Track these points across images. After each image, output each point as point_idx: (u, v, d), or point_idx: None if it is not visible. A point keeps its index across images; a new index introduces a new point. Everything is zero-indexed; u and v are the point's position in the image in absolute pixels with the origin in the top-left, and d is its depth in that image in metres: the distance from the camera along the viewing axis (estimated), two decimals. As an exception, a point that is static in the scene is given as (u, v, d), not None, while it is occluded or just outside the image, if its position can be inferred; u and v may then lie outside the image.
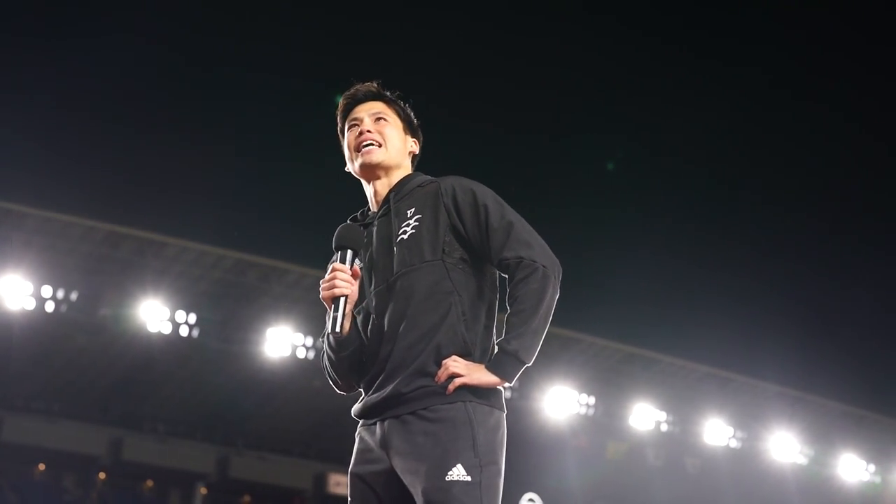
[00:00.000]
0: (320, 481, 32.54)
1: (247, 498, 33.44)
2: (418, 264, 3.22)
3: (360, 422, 3.35)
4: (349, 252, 3.31)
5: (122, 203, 30.26)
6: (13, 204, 23.33)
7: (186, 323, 24.24)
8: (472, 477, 3.05)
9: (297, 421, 31.14)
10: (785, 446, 32.00)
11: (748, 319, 33.47)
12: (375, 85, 3.56)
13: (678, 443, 31.96)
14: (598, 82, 36.67)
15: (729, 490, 32.39)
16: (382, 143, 3.45)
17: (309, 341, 25.63)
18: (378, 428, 3.23)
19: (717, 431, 31.04)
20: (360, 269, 3.34)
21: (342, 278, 3.26)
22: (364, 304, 3.33)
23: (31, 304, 22.53)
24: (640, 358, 30.34)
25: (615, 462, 32.80)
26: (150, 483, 32.53)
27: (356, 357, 3.36)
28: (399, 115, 3.54)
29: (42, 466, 31.39)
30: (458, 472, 3.03)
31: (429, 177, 3.46)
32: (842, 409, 33.42)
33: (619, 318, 30.35)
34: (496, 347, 3.19)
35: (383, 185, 3.46)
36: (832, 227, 37.79)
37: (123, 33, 31.80)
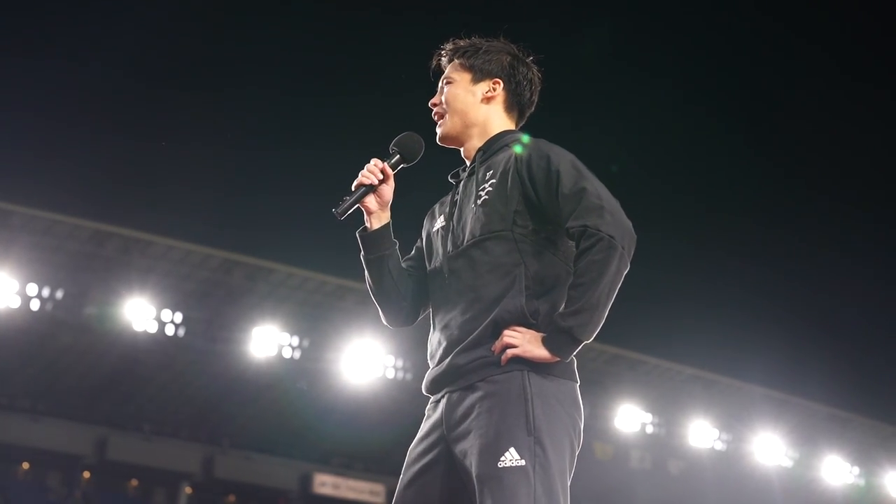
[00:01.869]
0: (305, 481, 32.48)
1: (232, 498, 33.37)
2: (487, 234, 3.07)
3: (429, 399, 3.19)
4: (396, 154, 3.25)
5: (109, 201, 30.20)
6: (-1, 202, 23.27)
7: (172, 322, 24.21)
8: (525, 460, 2.86)
9: (282, 421, 31.08)
10: (770, 448, 32.10)
11: (734, 322, 33.59)
12: (450, 44, 3.34)
13: (663, 445, 32.02)
14: (587, 82, 36.73)
15: (713, 492, 32.45)
16: (444, 112, 3.28)
17: (295, 341, 25.61)
18: (441, 404, 3.08)
19: (702, 433, 31.11)
20: (392, 170, 3.24)
21: (370, 169, 3.20)
22: (437, 267, 3.21)
23: (16, 303, 22.47)
24: (625, 359, 30.39)
25: (600, 463, 32.81)
26: (134, 482, 32.44)
27: (392, 279, 3.26)
28: (465, 66, 3.28)
29: (26, 465, 31.28)
30: (510, 458, 2.85)
31: (520, 134, 3.26)
32: (827, 412, 33.54)
33: (605, 320, 30.38)
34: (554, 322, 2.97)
35: (470, 148, 3.28)
36: (818, 230, 37.94)
37: (110, 33, 31.72)
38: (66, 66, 31.67)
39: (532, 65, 3.34)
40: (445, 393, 3.07)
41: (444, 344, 3.11)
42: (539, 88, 3.36)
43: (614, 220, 2.96)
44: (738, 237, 38.97)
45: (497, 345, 2.97)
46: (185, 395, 29.66)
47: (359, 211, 3.25)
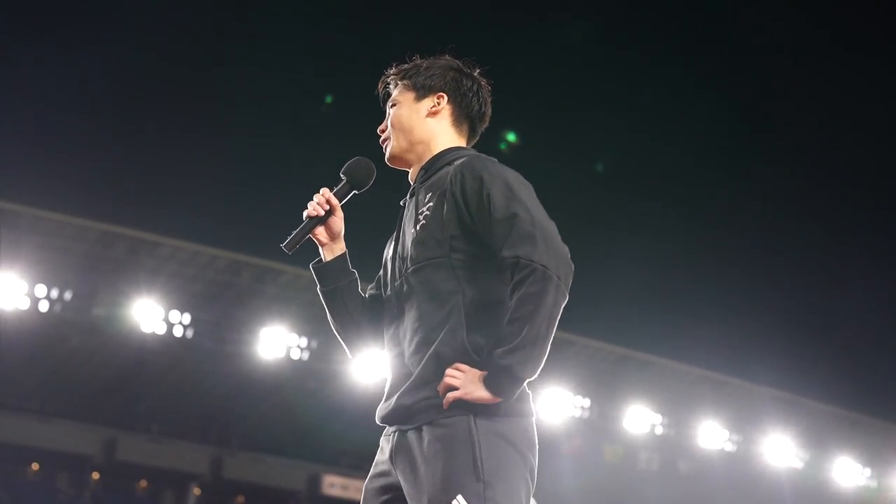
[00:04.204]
0: (314, 482, 32.46)
1: (240, 498, 33.36)
2: (424, 261, 2.97)
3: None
4: (344, 182, 3.18)
5: (116, 202, 30.21)
6: (6, 202, 23.27)
7: (180, 323, 24.17)
8: None
9: (291, 422, 31.07)
10: (780, 450, 31.97)
11: (743, 322, 33.49)
12: (393, 69, 3.27)
13: (673, 446, 31.93)
14: (592, 80, 36.66)
15: (723, 494, 32.35)
16: (389, 135, 3.21)
17: (303, 342, 25.58)
18: (392, 439, 3.01)
19: (711, 434, 31.00)
20: (341, 199, 3.17)
21: (318, 200, 3.13)
22: (386, 296, 3.15)
23: (25, 304, 22.46)
24: (634, 360, 30.31)
25: (610, 465, 32.76)
26: (143, 483, 32.46)
27: (347, 311, 3.19)
28: (408, 86, 3.21)
29: (35, 466, 31.31)
30: None
31: (468, 152, 3.15)
32: (837, 413, 33.42)
33: (614, 320, 30.34)
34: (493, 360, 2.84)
35: (416, 168, 3.20)
36: (826, 230, 37.82)
37: (118, 31, 31.76)
38: (73, 66, 31.68)
39: (478, 77, 3.24)
40: (395, 431, 2.99)
41: (390, 379, 3.05)
42: (489, 100, 3.26)
43: (548, 248, 2.82)
44: (748, 238, 38.88)
45: (440, 387, 2.85)
46: (194, 396, 29.66)
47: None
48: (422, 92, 3.19)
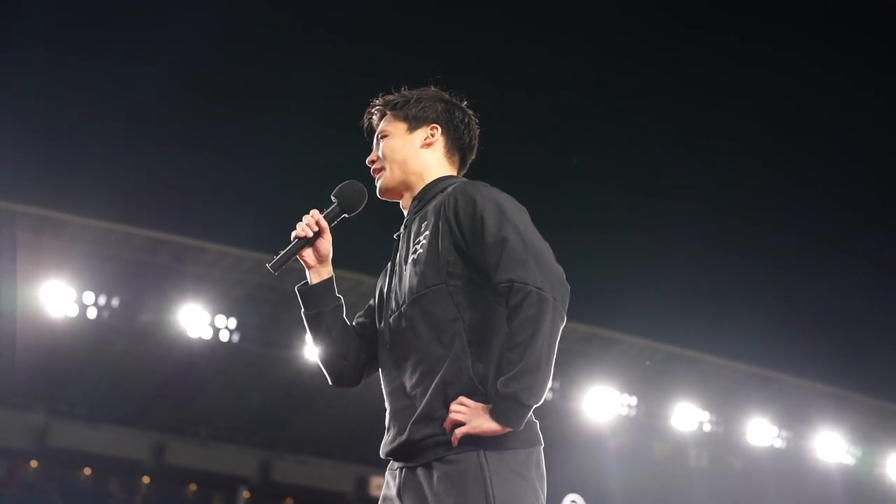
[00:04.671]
0: (362, 484, 32.57)
1: (289, 501, 33.54)
2: (423, 289, 2.90)
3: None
4: (335, 205, 3.15)
5: (160, 209, 30.46)
6: (54, 212, 23.56)
7: (226, 328, 24.33)
8: None
9: (338, 424, 31.18)
10: (831, 446, 31.59)
11: (791, 318, 33.14)
12: (379, 100, 3.26)
13: (722, 443, 31.67)
14: (628, 81, 36.48)
15: (774, 491, 32.05)
16: (383, 165, 3.17)
17: (348, 344, 25.63)
18: (398, 475, 2.96)
19: (761, 431, 30.71)
20: (331, 222, 3.15)
21: (307, 221, 3.11)
22: (381, 328, 3.07)
23: (73, 311, 22.71)
24: (681, 358, 30.10)
25: (658, 462, 32.57)
26: (193, 487, 32.74)
27: (330, 337, 3.15)
28: (400, 117, 3.18)
29: (88, 471, 31.68)
30: None
31: (457, 179, 3.13)
32: (889, 408, 32.96)
33: (661, 318, 30.11)
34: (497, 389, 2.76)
35: (408, 198, 3.17)
36: (876, 221, 37.32)
37: (164, 41, 32.02)
38: (117, 77, 32.04)
39: (466, 109, 3.23)
40: (401, 467, 2.94)
41: (394, 414, 2.98)
42: (477, 132, 3.24)
43: (541, 270, 2.76)
44: (795, 231, 38.42)
45: (447, 423, 2.79)
46: (241, 400, 29.85)
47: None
48: (414, 123, 3.17)
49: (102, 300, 23.28)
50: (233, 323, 24.40)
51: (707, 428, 30.41)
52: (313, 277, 3.18)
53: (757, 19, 36.66)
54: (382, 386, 3.07)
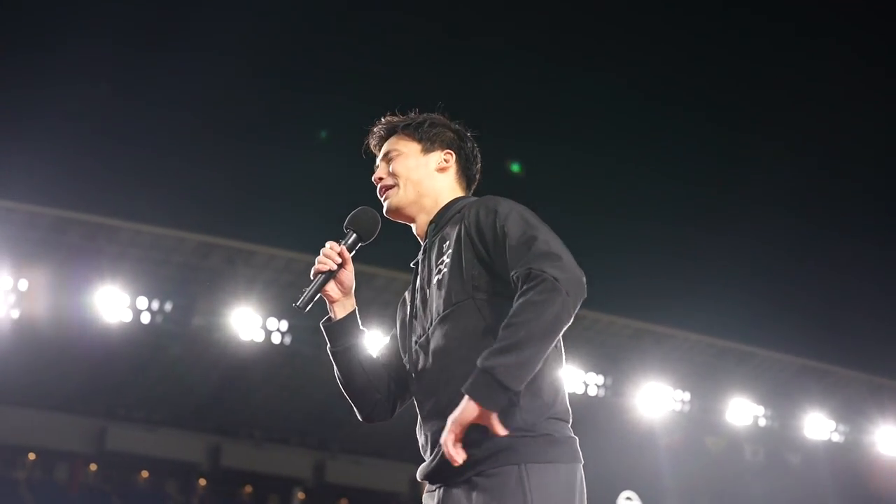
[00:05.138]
0: (416, 484, 32.61)
1: (344, 502, 33.69)
2: (449, 307, 2.84)
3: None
4: (352, 234, 3.11)
5: (211, 213, 30.75)
6: (107, 218, 23.86)
7: (278, 330, 24.47)
8: None
9: (391, 424, 30.91)
10: (891, 440, 31.11)
11: (848, 310, 32.68)
12: (387, 117, 3.21)
13: (778, 438, 31.33)
14: (677, 82, 36.19)
15: (832, 485, 31.64)
16: (395, 182, 3.10)
17: (400, 344, 25.69)
18: (437, 495, 2.92)
19: (817, 425, 30.33)
20: (350, 252, 3.10)
21: (326, 254, 3.06)
22: (411, 356, 3.01)
23: (127, 316, 22.98)
24: (735, 352, 29.81)
25: (713, 458, 32.28)
26: (248, 489, 33.01)
27: (363, 370, 3.09)
28: (414, 138, 3.13)
29: (145, 474, 32.07)
30: None
31: (473, 198, 3.09)
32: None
33: (713, 313, 29.85)
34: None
35: (422, 222, 3.10)
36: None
37: (213, 45, 32.29)
38: (169, 80, 32.38)
39: (473, 140, 3.20)
40: (440, 486, 2.90)
41: (428, 433, 2.93)
42: (480, 166, 3.21)
43: (563, 265, 2.66)
44: (853, 226, 37.88)
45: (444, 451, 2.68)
46: (294, 401, 30.04)
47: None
48: (429, 145, 3.13)
49: (156, 305, 23.52)
50: (284, 325, 24.53)
51: (762, 423, 30.09)
52: (338, 311, 3.11)
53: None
54: (418, 413, 3.03)
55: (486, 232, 2.83)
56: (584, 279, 2.74)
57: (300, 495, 32.49)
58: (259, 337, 24.20)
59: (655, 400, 27.65)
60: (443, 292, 2.88)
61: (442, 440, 2.67)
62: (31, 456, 30.45)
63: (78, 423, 29.31)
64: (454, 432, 2.64)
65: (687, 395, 28.84)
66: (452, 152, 3.15)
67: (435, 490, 2.92)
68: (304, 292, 3.10)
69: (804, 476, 32.27)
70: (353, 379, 3.15)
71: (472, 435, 2.69)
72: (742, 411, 29.38)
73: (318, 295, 3.12)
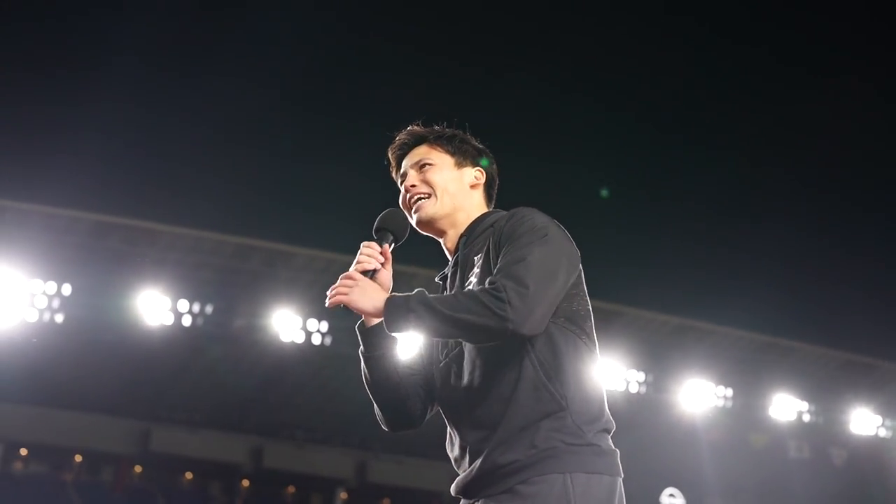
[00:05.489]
0: (457, 483, 32.64)
1: (387, 501, 33.75)
2: None
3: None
4: (389, 234, 3.04)
5: (250, 216, 30.94)
6: (147, 222, 24.07)
7: (319, 331, 24.53)
8: None
9: (432, 423, 31.05)
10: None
11: (892, 303, 32.26)
12: (415, 127, 3.15)
13: (822, 433, 31.00)
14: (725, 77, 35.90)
15: (878, 482, 31.28)
16: (431, 192, 3.04)
17: (440, 344, 25.70)
18: None
19: (863, 421, 29.96)
20: (391, 251, 3.04)
21: (367, 253, 2.98)
22: (442, 367, 2.96)
23: (169, 319, 23.15)
24: (778, 347, 29.53)
25: (756, 455, 32.00)
26: (291, 489, 33.15)
27: (397, 376, 3.02)
28: (447, 151, 3.09)
29: (189, 475, 32.32)
30: None
31: (504, 212, 3.02)
32: None
33: (756, 308, 29.60)
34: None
35: (453, 236, 3.05)
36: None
37: (254, 52, 32.53)
38: (210, 87, 32.60)
39: (494, 160, 3.16)
40: (479, 499, 2.80)
41: (468, 448, 2.86)
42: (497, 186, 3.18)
43: (527, 295, 2.63)
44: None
45: (330, 300, 2.87)
46: (335, 402, 30.12)
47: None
48: (461, 161, 3.09)
49: (196, 308, 23.67)
50: (325, 326, 24.60)
51: (806, 418, 29.79)
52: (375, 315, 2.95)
53: None
54: (448, 425, 2.98)
55: (505, 233, 2.83)
56: (539, 318, 2.68)
57: (343, 495, 32.58)
58: (300, 338, 24.28)
59: (698, 396, 27.46)
60: None
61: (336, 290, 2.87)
62: (78, 458, 30.80)
63: (122, 425, 29.59)
64: (345, 296, 2.86)
65: (729, 392, 28.61)
66: (482, 170, 3.12)
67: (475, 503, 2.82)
68: None
69: (849, 472, 31.91)
70: (386, 386, 3.06)
71: (521, 440, 2.68)
72: (786, 407, 29.11)
73: None
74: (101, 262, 23.62)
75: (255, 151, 34.39)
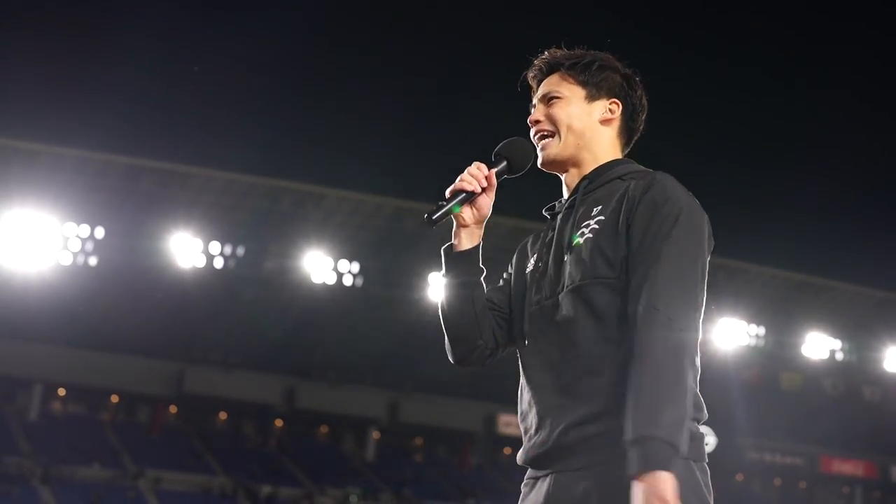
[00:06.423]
0: (490, 422, 32.81)
1: (419, 440, 34.03)
2: (590, 279, 2.59)
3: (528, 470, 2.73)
4: (503, 161, 2.80)
5: (281, 158, 30.91)
6: (178, 164, 24.11)
7: (349, 272, 24.60)
8: None
9: (463, 364, 31.35)
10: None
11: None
12: (555, 51, 2.86)
13: (855, 371, 30.87)
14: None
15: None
16: (555, 130, 2.81)
17: (471, 284, 25.72)
18: (544, 483, 2.62)
19: (896, 358, 29.82)
20: (497, 178, 2.75)
21: (473, 173, 2.75)
22: (528, 315, 2.74)
23: (201, 262, 23.26)
24: (811, 286, 29.33)
25: (788, 394, 31.95)
26: (324, 429, 33.49)
27: (475, 310, 2.79)
28: (579, 81, 2.82)
29: (224, 415, 32.71)
30: None
31: (640, 168, 2.79)
32: None
33: (789, 246, 29.38)
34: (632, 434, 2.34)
35: (575, 175, 2.82)
36: None
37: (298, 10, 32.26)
38: (241, 28, 32.43)
39: (641, 87, 2.88)
40: (551, 473, 2.59)
41: (544, 414, 2.63)
42: (644, 117, 2.88)
43: (687, 322, 2.48)
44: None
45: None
46: (366, 342, 30.28)
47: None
48: (593, 92, 2.83)
49: (228, 250, 23.77)
50: (356, 267, 24.65)
51: (839, 357, 29.66)
52: (465, 241, 2.77)
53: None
54: (524, 383, 2.74)
55: (641, 214, 2.57)
56: (702, 312, 2.55)
57: (375, 434, 32.88)
58: (331, 279, 24.36)
59: (730, 335, 27.37)
60: (585, 259, 2.63)
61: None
62: (115, 398, 31.25)
63: (157, 367, 29.92)
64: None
65: (762, 330, 28.50)
66: (618, 102, 2.84)
67: (543, 477, 2.62)
68: (438, 206, 2.83)
69: (883, 409, 31.83)
70: (462, 317, 2.83)
71: (605, 418, 2.50)
72: (818, 345, 28.98)
73: (450, 215, 2.77)
74: (133, 205, 23.73)
75: (287, 93, 34.27)
